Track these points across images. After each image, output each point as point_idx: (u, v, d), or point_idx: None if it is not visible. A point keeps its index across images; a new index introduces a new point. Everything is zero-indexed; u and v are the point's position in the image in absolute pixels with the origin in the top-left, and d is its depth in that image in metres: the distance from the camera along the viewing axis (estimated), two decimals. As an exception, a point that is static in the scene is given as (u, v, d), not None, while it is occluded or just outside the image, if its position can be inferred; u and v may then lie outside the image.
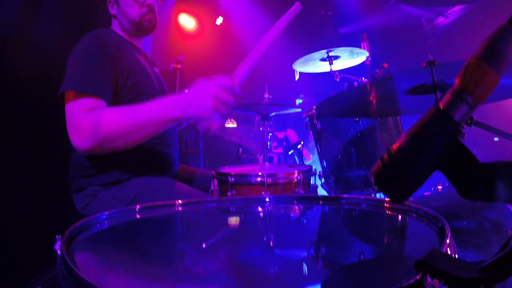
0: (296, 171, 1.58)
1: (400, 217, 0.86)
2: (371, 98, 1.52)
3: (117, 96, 1.45)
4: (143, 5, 1.60)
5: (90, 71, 1.35)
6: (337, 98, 1.48)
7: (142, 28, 1.65)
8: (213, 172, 1.66)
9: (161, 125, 1.31)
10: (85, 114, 1.28)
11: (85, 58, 1.39)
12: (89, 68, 1.36)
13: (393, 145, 0.50)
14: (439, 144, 0.46)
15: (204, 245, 0.76)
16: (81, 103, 1.30)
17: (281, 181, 1.54)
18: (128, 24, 1.64)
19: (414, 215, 0.80)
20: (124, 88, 1.48)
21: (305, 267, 0.63)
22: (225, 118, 1.25)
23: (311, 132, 2.15)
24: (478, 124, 1.28)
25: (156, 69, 1.81)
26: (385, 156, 0.50)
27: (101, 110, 1.30)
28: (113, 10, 1.65)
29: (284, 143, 5.12)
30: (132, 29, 1.65)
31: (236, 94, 1.31)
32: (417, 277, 0.40)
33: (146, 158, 1.55)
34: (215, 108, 1.25)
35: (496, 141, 4.31)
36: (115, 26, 1.68)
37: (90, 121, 1.26)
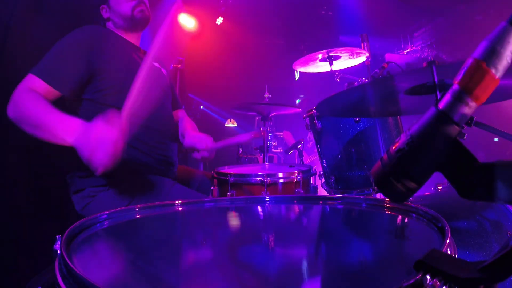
0: (296, 171, 1.58)
1: (400, 217, 0.86)
2: (371, 98, 1.51)
3: (82, 90, 1.48)
4: None
5: (53, 62, 1.41)
6: (337, 98, 1.48)
7: (135, 20, 1.66)
8: (213, 172, 1.66)
9: (57, 138, 1.27)
10: (22, 89, 1.35)
11: (56, 49, 1.44)
12: (53, 59, 1.42)
13: (393, 146, 0.50)
14: (438, 145, 0.46)
15: (203, 245, 0.76)
16: (30, 82, 1.37)
17: (281, 181, 1.54)
18: (121, 20, 1.66)
19: (414, 215, 0.81)
20: (93, 82, 1.48)
21: (305, 267, 0.63)
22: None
23: (310, 132, 2.15)
24: (478, 124, 1.28)
25: (158, 66, 1.81)
26: (385, 156, 0.50)
27: (33, 94, 1.34)
28: (106, 14, 1.68)
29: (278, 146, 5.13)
30: (126, 24, 1.67)
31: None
32: (417, 277, 0.40)
33: (145, 159, 1.55)
34: (105, 158, 1.17)
35: (496, 141, 4.31)
36: (110, 27, 1.71)
37: (18, 95, 1.34)
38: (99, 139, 1.16)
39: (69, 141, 1.24)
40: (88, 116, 1.31)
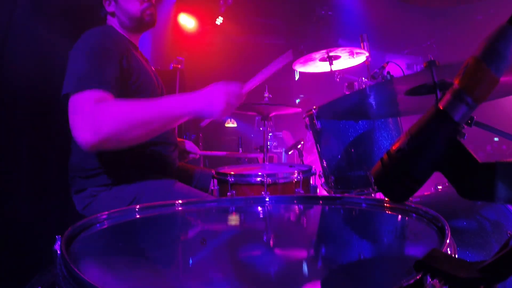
0: (296, 171, 1.58)
1: (400, 217, 0.86)
2: (371, 100, 1.51)
3: (126, 94, 1.40)
4: (144, 0, 1.59)
5: (97, 68, 1.32)
6: (338, 102, 1.48)
7: (143, 23, 1.63)
8: (213, 172, 1.66)
9: (171, 119, 1.32)
10: (93, 106, 1.21)
11: (92, 54, 1.35)
12: (96, 65, 1.32)
13: (393, 146, 0.50)
14: (438, 145, 0.46)
15: (203, 245, 0.76)
16: (88, 96, 1.23)
17: (281, 181, 1.54)
18: (128, 20, 1.61)
19: (414, 215, 0.80)
20: (132, 86, 1.48)
21: (305, 267, 0.63)
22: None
23: (310, 132, 2.15)
24: (478, 124, 1.28)
25: (152, 68, 1.81)
26: (385, 156, 0.50)
27: (111, 101, 1.26)
28: (110, 8, 1.61)
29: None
30: (133, 25, 1.63)
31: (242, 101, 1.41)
32: (417, 277, 0.40)
33: (146, 159, 1.56)
34: (225, 110, 1.33)
35: (496, 141, 4.31)
36: (113, 23, 1.65)
37: (99, 111, 1.21)
38: (225, 91, 1.33)
39: (190, 110, 1.31)
40: None
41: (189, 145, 2.12)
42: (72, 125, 1.23)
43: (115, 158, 1.47)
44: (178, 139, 2.05)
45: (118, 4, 1.60)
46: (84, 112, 1.21)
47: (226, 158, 4.38)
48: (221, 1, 5.45)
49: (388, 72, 1.79)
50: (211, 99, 1.32)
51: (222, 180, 1.58)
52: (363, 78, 1.97)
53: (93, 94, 1.24)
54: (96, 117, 1.19)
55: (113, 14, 1.63)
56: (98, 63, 1.33)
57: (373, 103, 1.55)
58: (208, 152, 2.50)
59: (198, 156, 2.15)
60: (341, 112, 1.67)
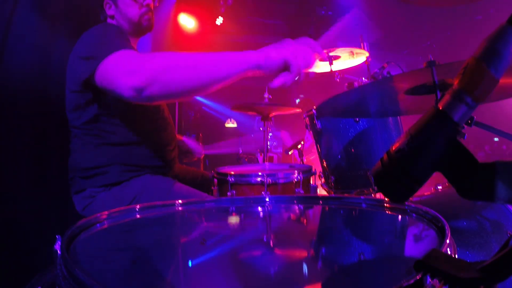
0: (296, 171, 1.58)
1: (400, 217, 0.86)
2: (371, 98, 1.52)
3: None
4: (143, 5, 1.59)
5: (115, 36, 1.27)
6: (338, 99, 1.48)
7: (141, 27, 1.63)
8: (213, 172, 1.66)
9: (225, 67, 1.09)
10: (132, 54, 1.13)
11: (103, 32, 1.32)
12: (113, 35, 1.28)
13: (393, 146, 0.50)
14: (438, 145, 0.46)
15: (204, 245, 0.76)
16: (125, 53, 1.14)
17: (281, 181, 1.54)
18: (127, 24, 1.62)
19: (414, 215, 0.81)
20: None
21: (305, 267, 0.63)
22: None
23: (311, 132, 2.15)
24: (478, 124, 1.28)
25: None
26: (385, 156, 0.50)
27: (159, 52, 1.15)
28: (110, 11, 1.63)
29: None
30: (131, 29, 1.63)
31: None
32: (417, 277, 0.40)
33: (146, 158, 1.55)
34: (302, 63, 1.09)
35: (496, 141, 4.32)
36: (114, 22, 1.65)
37: (139, 56, 1.11)
38: (301, 43, 1.11)
39: (257, 60, 1.07)
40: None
41: (192, 144, 2.12)
42: (115, 81, 1.12)
43: (114, 158, 1.47)
44: (181, 138, 2.06)
45: (118, 8, 1.60)
46: (124, 63, 1.12)
47: (226, 158, 4.39)
48: (221, 1, 5.45)
49: (388, 72, 1.79)
50: (295, 46, 1.09)
51: (222, 180, 1.58)
52: (363, 78, 1.97)
53: (124, 53, 1.16)
54: (136, 62, 1.10)
55: (112, 17, 1.64)
56: (113, 34, 1.30)
57: (373, 101, 1.55)
58: (212, 151, 2.52)
59: (202, 156, 2.14)
60: (341, 109, 1.67)
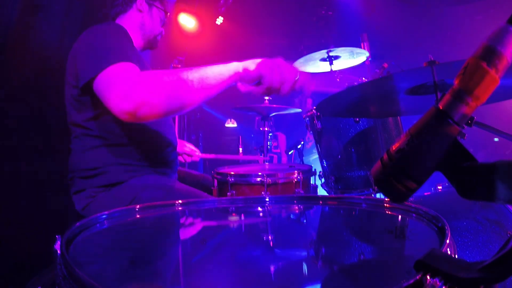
0: (296, 171, 1.58)
1: (400, 217, 0.86)
2: (371, 98, 1.52)
3: None
4: (162, 26, 1.68)
5: (116, 43, 1.28)
6: (337, 98, 1.48)
7: (152, 45, 1.70)
8: (213, 172, 1.66)
9: (210, 81, 1.17)
10: (130, 75, 1.15)
11: (106, 35, 1.32)
12: (114, 41, 1.29)
13: (393, 146, 0.50)
14: (438, 144, 0.46)
15: (204, 245, 0.76)
16: (121, 68, 1.17)
17: (281, 181, 1.54)
18: (141, 35, 1.65)
19: (414, 215, 0.81)
20: None
21: (305, 267, 0.63)
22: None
23: (310, 132, 2.15)
24: (478, 124, 1.28)
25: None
26: (385, 156, 0.50)
27: (149, 71, 1.20)
28: (142, 7, 1.62)
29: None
30: (143, 41, 1.67)
31: (301, 88, 1.26)
32: (417, 277, 0.40)
33: (145, 158, 1.55)
34: (277, 79, 1.18)
35: (496, 141, 4.32)
36: (128, 23, 1.61)
37: (131, 78, 1.14)
38: (280, 64, 1.19)
39: (239, 72, 1.18)
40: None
41: (188, 147, 2.14)
42: (109, 102, 1.16)
43: (114, 159, 1.47)
44: (178, 141, 2.08)
45: (151, 15, 1.64)
46: (117, 84, 1.15)
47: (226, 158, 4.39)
48: (221, 1, 5.44)
49: (388, 72, 1.79)
50: (261, 62, 1.20)
51: (222, 180, 1.58)
52: (363, 78, 1.97)
53: (121, 67, 1.18)
54: (128, 84, 1.13)
55: (140, 11, 1.62)
56: (114, 40, 1.30)
57: (373, 101, 1.55)
58: (207, 155, 2.53)
59: (198, 158, 2.16)
60: (341, 109, 1.67)
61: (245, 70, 1.19)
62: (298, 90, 1.23)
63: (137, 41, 1.66)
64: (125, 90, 1.12)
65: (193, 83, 1.16)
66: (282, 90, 1.19)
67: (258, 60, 1.21)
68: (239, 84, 1.22)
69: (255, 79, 1.19)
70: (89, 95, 1.37)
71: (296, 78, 1.21)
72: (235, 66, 1.20)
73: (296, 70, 1.23)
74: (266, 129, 2.56)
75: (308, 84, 1.25)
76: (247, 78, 1.19)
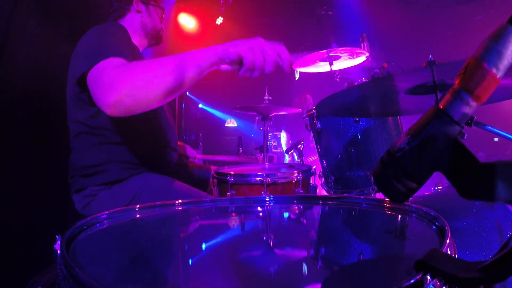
0: (296, 171, 1.58)
1: (400, 217, 0.86)
2: (371, 98, 1.51)
3: None
4: (160, 22, 1.75)
5: (110, 40, 1.31)
6: (337, 97, 1.48)
7: (157, 40, 1.77)
8: (213, 172, 1.67)
9: (192, 68, 1.18)
10: (110, 70, 1.17)
11: (103, 33, 1.36)
12: (108, 38, 1.32)
13: (393, 146, 0.50)
14: (439, 144, 0.46)
15: (203, 245, 0.76)
16: (104, 65, 1.19)
17: (280, 181, 1.54)
18: (143, 31, 1.69)
19: (414, 215, 0.80)
20: None
21: (304, 267, 0.63)
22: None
23: (310, 132, 2.15)
24: (478, 124, 1.28)
25: None
26: (385, 156, 0.50)
27: (133, 62, 1.22)
28: (139, 7, 1.67)
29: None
30: (150, 35, 1.72)
31: (283, 65, 1.27)
32: (417, 277, 0.40)
33: (146, 157, 1.56)
34: (259, 58, 1.21)
35: (496, 141, 4.32)
36: (129, 25, 1.63)
37: (115, 73, 1.15)
38: (259, 43, 1.23)
39: (220, 54, 1.19)
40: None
41: (188, 149, 2.16)
42: (95, 96, 1.18)
43: (114, 157, 1.47)
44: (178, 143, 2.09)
45: (149, 13, 1.69)
46: (103, 78, 1.16)
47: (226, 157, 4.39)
48: (221, 1, 5.45)
49: (388, 72, 1.79)
50: (240, 42, 1.23)
51: (222, 180, 1.58)
52: (363, 78, 1.97)
53: (110, 62, 1.20)
54: (111, 78, 1.14)
55: (140, 12, 1.67)
56: (110, 37, 1.33)
57: (373, 101, 1.55)
58: (207, 156, 2.56)
59: (196, 159, 2.18)
60: (341, 109, 1.67)
61: (225, 51, 1.20)
62: (282, 68, 1.25)
63: (141, 41, 1.69)
64: (108, 83, 1.13)
65: (174, 69, 1.16)
66: (266, 68, 1.22)
67: (238, 42, 1.23)
68: (221, 66, 1.23)
69: (236, 60, 1.20)
70: (88, 91, 1.38)
71: (277, 55, 1.24)
72: (215, 49, 1.21)
73: (276, 48, 1.25)
74: (268, 128, 2.57)
75: (289, 59, 1.27)
76: (227, 59, 1.20)
